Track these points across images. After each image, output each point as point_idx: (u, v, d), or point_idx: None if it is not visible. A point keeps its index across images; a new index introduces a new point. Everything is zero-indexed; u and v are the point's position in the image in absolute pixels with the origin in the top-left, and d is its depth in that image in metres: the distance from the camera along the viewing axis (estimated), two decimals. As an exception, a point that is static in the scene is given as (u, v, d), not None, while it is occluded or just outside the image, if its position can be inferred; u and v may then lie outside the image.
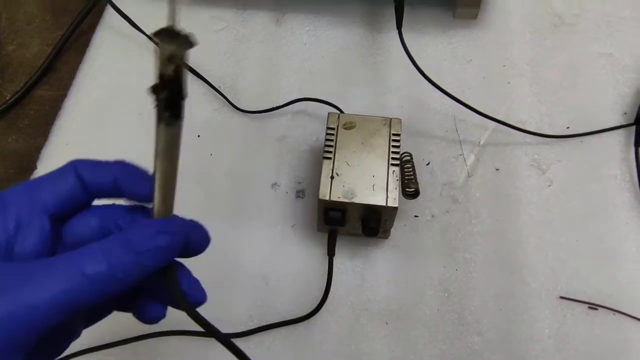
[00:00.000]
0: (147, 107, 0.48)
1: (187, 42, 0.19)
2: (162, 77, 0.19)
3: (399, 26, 0.45)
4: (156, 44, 0.19)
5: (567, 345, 0.38)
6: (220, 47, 0.52)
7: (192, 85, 0.50)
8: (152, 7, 0.54)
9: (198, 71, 0.50)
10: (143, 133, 0.47)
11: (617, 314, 0.38)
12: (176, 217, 0.23)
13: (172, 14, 0.19)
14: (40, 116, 0.50)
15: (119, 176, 0.23)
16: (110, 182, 0.23)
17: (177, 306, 0.24)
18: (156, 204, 0.22)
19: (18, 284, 0.18)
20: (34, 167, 0.46)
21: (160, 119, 0.20)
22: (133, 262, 0.20)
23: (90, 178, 0.23)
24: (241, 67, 0.51)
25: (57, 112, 0.49)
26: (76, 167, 0.23)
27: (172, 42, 0.19)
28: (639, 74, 0.49)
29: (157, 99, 0.20)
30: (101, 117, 0.48)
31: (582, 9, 0.53)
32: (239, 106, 0.48)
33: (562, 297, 0.39)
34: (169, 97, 0.20)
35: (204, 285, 0.24)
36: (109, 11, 0.53)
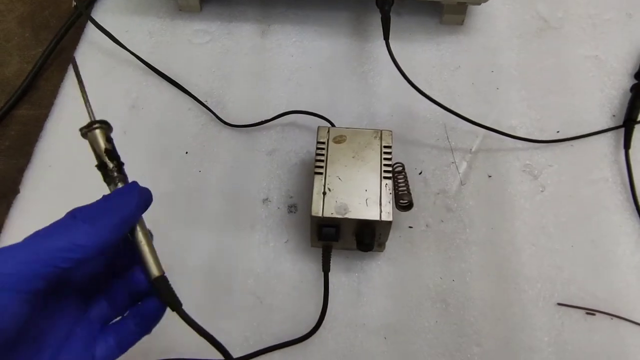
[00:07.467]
0: (132, 124, 0.47)
1: (108, 124, 0.27)
2: (108, 151, 0.26)
3: (386, 37, 0.45)
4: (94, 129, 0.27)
5: (567, 353, 0.37)
6: (205, 60, 0.51)
7: (178, 100, 0.49)
8: (133, 22, 0.53)
9: (184, 86, 0.49)
10: (128, 151, 0.46)
11: (614, 318, 0.38)
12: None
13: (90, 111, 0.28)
14: (21, 137, 0.48)
15: None
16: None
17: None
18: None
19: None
20: (17, 191, 0.45)
21: (122, 181, 0.27)
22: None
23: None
24: (228, 81, 0.50)
25: (39, 132, 0.48)
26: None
27: (105, 126, 0.27)
28: (625, 75, 0.49)
29: (110, 170, 0.26)
30: (85, 136, 0.47)
31: (567, 12, 0.54)
32: (227, 120, 0.47)
33: (559, 304, 0.39)
34: (119, 162, 0.27)
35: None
36: (90, 27, 0.52)
